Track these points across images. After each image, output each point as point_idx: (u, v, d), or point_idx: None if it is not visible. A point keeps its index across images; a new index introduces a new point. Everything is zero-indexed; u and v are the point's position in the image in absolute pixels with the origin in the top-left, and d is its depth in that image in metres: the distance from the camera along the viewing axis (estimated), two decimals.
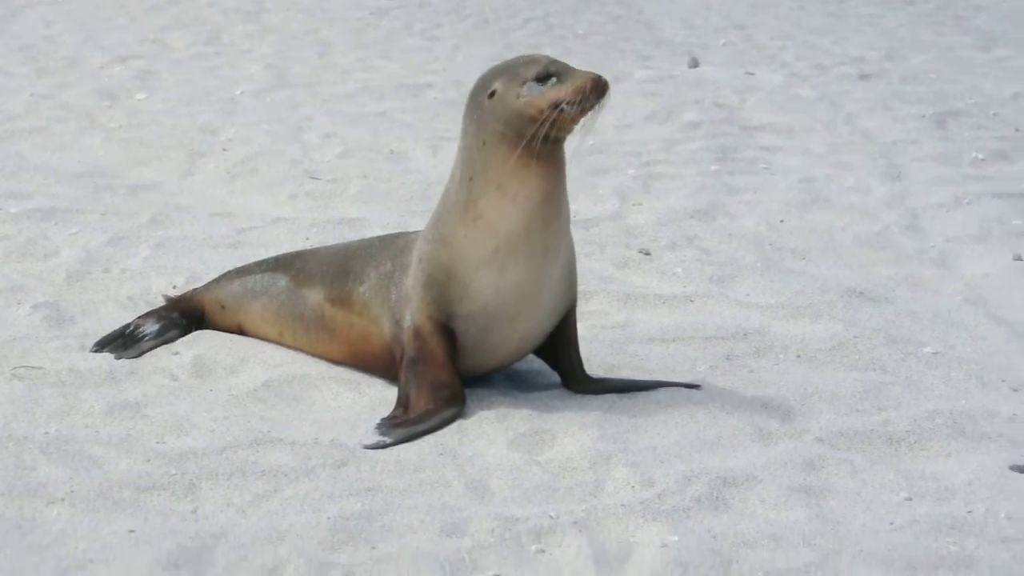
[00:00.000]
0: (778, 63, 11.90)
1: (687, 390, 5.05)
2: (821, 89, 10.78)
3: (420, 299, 4.83)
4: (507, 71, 4.75)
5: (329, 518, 4.08)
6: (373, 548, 3.96)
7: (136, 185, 7.80)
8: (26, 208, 7.09)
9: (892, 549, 4.00)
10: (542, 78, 4.68)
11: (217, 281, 5.63)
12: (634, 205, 7.60)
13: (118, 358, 5.26)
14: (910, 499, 4.34)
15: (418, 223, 6.66)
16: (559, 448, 4.59)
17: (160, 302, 5.78)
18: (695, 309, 5.99)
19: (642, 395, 4.99)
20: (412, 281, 4.87)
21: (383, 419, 4.74)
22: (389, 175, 8.07)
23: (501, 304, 4.77)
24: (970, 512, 4.24)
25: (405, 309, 4.87)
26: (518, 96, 4.68)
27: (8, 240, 6.60)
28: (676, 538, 4.01)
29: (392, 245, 5.11)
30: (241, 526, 4.04)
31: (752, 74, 11.27)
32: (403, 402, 4.81)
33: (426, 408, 4.75)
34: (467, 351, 4.86)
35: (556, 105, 4.63)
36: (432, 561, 3.87)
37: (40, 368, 5.09)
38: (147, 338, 5.42)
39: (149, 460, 4.42)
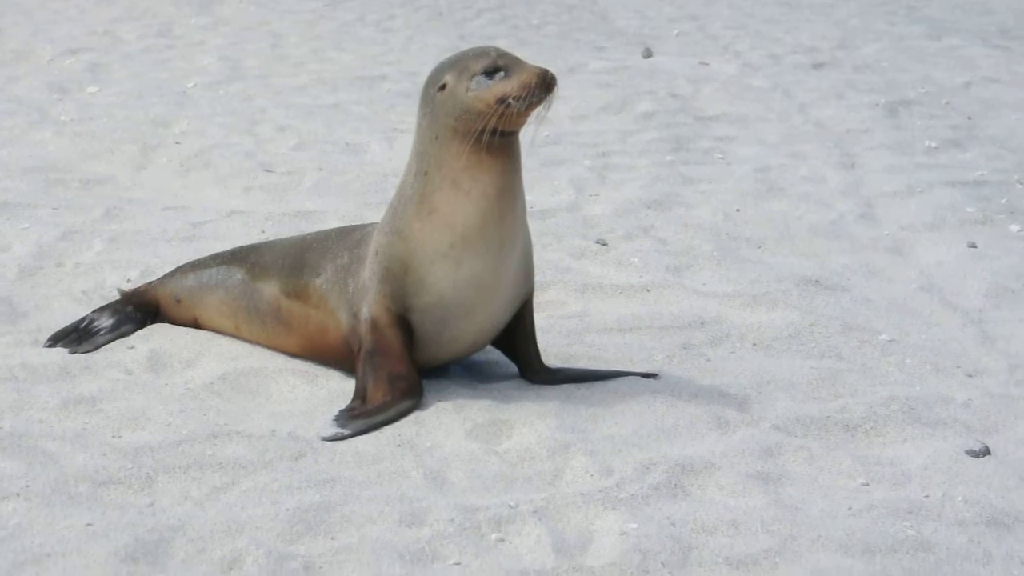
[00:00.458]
0: (732, 53, 11.95)
1: (645, 379, 5.06)
2: (774, 79, 10.83)
3: (377, 292, 4.81)
4: (457, 64, 4.73)
5: (288, 510, 4.06)
6: (332, 539, 3.95)
7: (88, 179, 7.73)
8: None
9: (850, 534, 4.03)
10: (490, 72, 4.66)
11: (172, 275, 5.59)
12: (590, 196, 7.61)
13: (72, 353, 5.21)
14: (867, 484, 4.37)
15: (374, 215, 6.64)
16: (517, 438, 4.59)
17: (114, 296, 5.74)
18: (652, 299, 6.00)
19: (600, 385, 5.00)
20: (369, 274, 4.86)
21: (341, 411, 4.72)
22: (344, 167, 8.04)
23: (457, 297, 4.77)
24: (927, 496, 4.28)
25: (362, 301, 4.86)
26: (467, 90, 4.66)
27: None
28: (635, 526, 4.02)
29: (348, 237, 5.09)
30: (199, 519, 4.02)
31: (706, 64, 11.31)
32: (361, 394, 4.79)
33: (384, 400, 4.74)
34: (424, 343, 4.85)
35: (503, 100, 4.61)
36: (392, 551, 3.86)
37: None
38: (102, 332, 5.37)
39: (105, 454, 4.38)
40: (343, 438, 4.57)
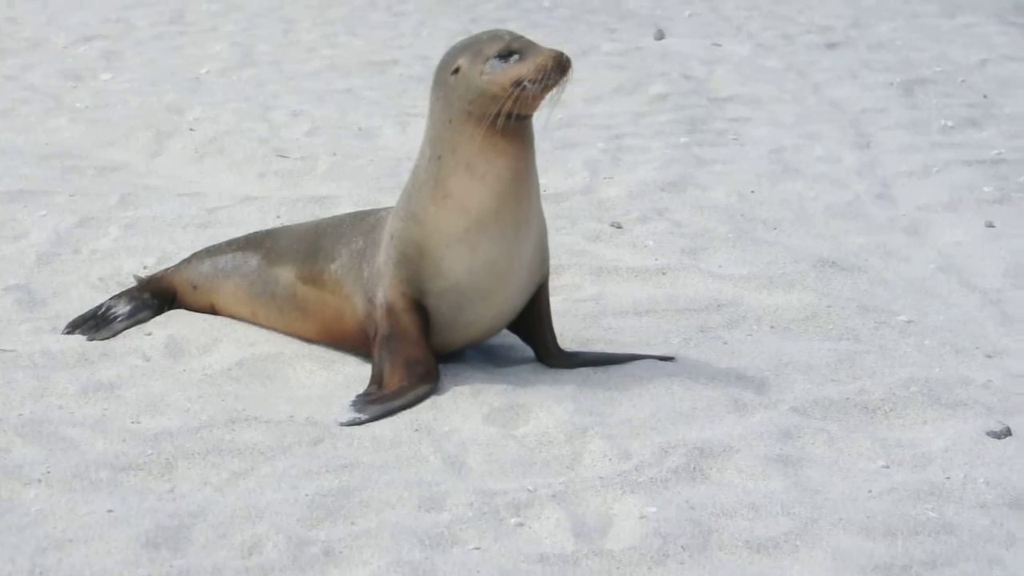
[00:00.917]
0: (744, 34, 11.90)
1: (661, 363, 5.05)
2: (788, 59, 10.79)
3: (392, 276, 4.81)
4: (471, 48, 4.72)
5: (307, 495, 4.07)
6: (352, 524, 3.96)
7: (104, 166, 7.74)
8: None
9: (871, 516, 4.03)
10: (504, 55, 4.65)
11: (188, 261, 5.60)
12: (604, 178, 7.59)
13: (90, 339, 5.22)
14: (887, 467, 4.36)
15: (388, 199, 6.63)
16: (535, 422, 4.59)
17: (131, 283, 5.75)
18: (668, 282, 5.99)
19: (617, 368, 4.99)
20: (384, 258, 4.85)
21: (358, 396, 4.73)
22: (358, 152, 8.04)
23: (473, 282, 4.76)
24: (948, 478, 4.27)
25: (377, 286, 4.85)
26: (481, 73, 4.65)
27: None
28: (655, 509, 4.02)
29: (363, 222, 5.09)
30: (219, 504, 4.03)
31: (719, 45, 11.27)
32: (377, 379, 4.79)
33: (400, 385, 4.75)
34: (440, 328, 4.84)
35: (518, 83, 4.60)
36: (411, 536, 3.87)
37: (12, 351, 5.04)
38: (119, 319, 5.39)
39: (125, 440, 4.40)
40: (361, 423, 4.57)
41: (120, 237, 6.42)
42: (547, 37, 11.00)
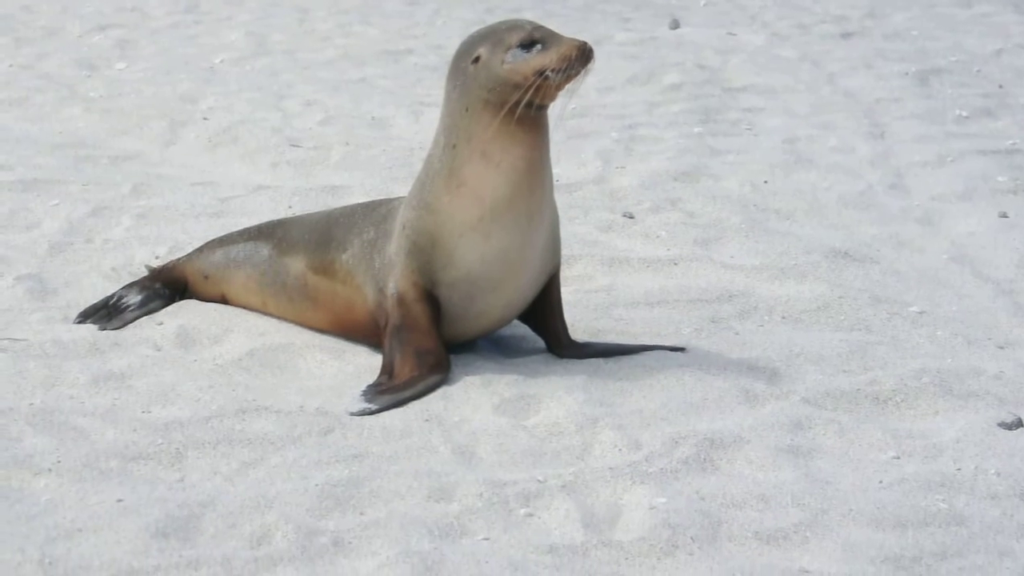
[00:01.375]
0: (759, 23, 11.86)
1: (672, 353, 5.04)
2: (803, 49, 10.75)
3: (404, 266, 4.81)
4: (491, 37, 4.71)
5: (316, 485, 4.07)
6: (361, 514, 3.96)
7: (117, 155, 7.75)
8: (7, 179, 7.05)
9: (882, 507, 4.01)
10: (527, 44, 4.64)
11: (200, 251, 5.61)
12: (617, 168, 7.58)
13: (102, 329, 5.24)
14: (898, 458, 4.35)
15: (401, 189, 6.63)
16: (545, 413, 4.59)
17: (143, 272, 5.76)
18: (679, 272, 5.98)
19: (628, 359, 4.98)
20: (396, 248, 4.85)
21: (368, 386, 4.73)
22: (371, 141, 8.03)
23: (485, 271, 4.76)
24: (959, 469, 4.26)
25: (389, 276, 4.85)
26: (502, 63, 4.64)
27: None
28: (664, 500, 4.01)
29: (375, 212, 5.08)
30: (229, 494, 4.04)
31: (734, 35, 11.23)
32: (388, 369, 4.80)
33: (411, 375, 4.75)
34: (451, 318, 4.84)
35: (541, 72, 4.60)
36: (420, 526, 3.87)
37: (24, 340, 5.06)
38: (130, 309, 5.40)
39: (135, 430, 4.41)
40: (371, 413, 4.58)
41: (132, 226, 6.43)
42: (562, 26, 10.97)
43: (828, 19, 11.99)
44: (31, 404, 4.56)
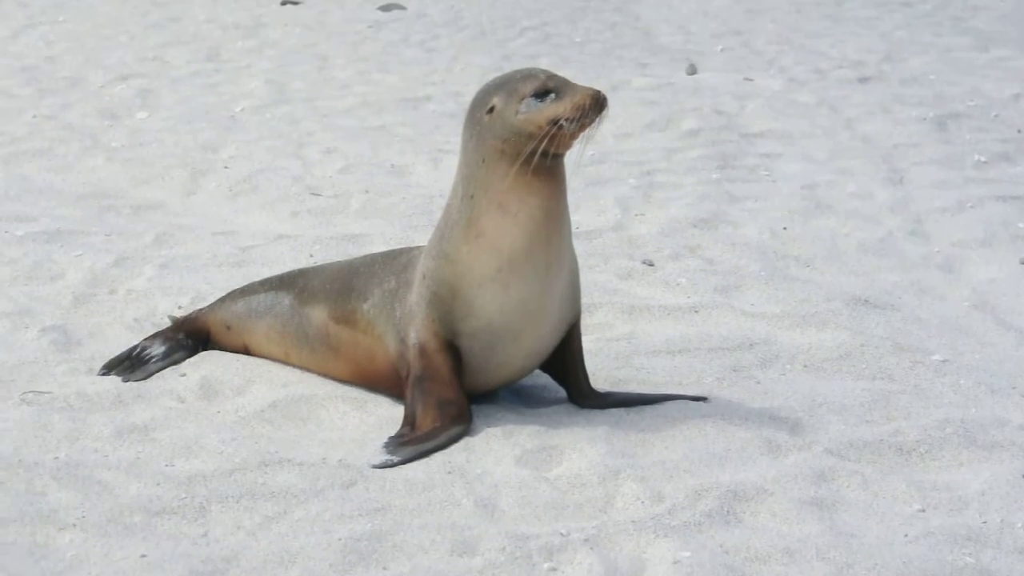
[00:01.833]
0: (776, 68, 11.90)
1: (694, 403, 5.04)
2: (820, 94, 10.77)
3: (425, 316, 4.82)
4: (505, 87, 4.73)
5: (339, 539, 4.07)
6: (384, 569, 3.96)
7: (139, 205, 7.80)
8: (32, 231, 7.10)
9: (908, 562, 3.99)
10: (540, 94, 4.66)
11: (222, 301, 5.63)
12: (636, 215, 7.59)
13: (125, 381, 5.26)
14: (923, 510, 4.33)
15: (421, 237, 6.65)
16: (567, 464, 4.58)
17: (166, 323, 5.78)
18: (700, 320, 5.98)
19: (649, 409, 4.98)
20: (416, 298, 4.87)
21: (390, 438, 4.73)
22: (390, 189, 8.07)
23: (506, 321, 4.76)
24: (985, 522, 4.23)
25: (410, 326, 4.86)
26: (516, 112, 4.66)
27: (15, 263, 6.60)
28: (688, 554, 4.00)
29: (395, 261, 5.10)
30: (252, 549, 4.04)
31: (751, 80, 11.27)
32: (410, 420, 4.80)
33: (433, 426, 4.75)
34: (472, 369, 4.85)
35: (555, 121, 4.61)
36: None
37: (48, 393, 5.08)
38: (154, 360, 5.42)
39: (159, 484, 4.42)
40: (393, 465, 4.58)
41: (155, 277, 6.47)
42: (579, 72, 11.04)
43: (845, 64, 12.03)
44: (56, 458, 4.58)
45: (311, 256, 6.81)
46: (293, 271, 5.58)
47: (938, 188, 8.17)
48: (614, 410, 4.98)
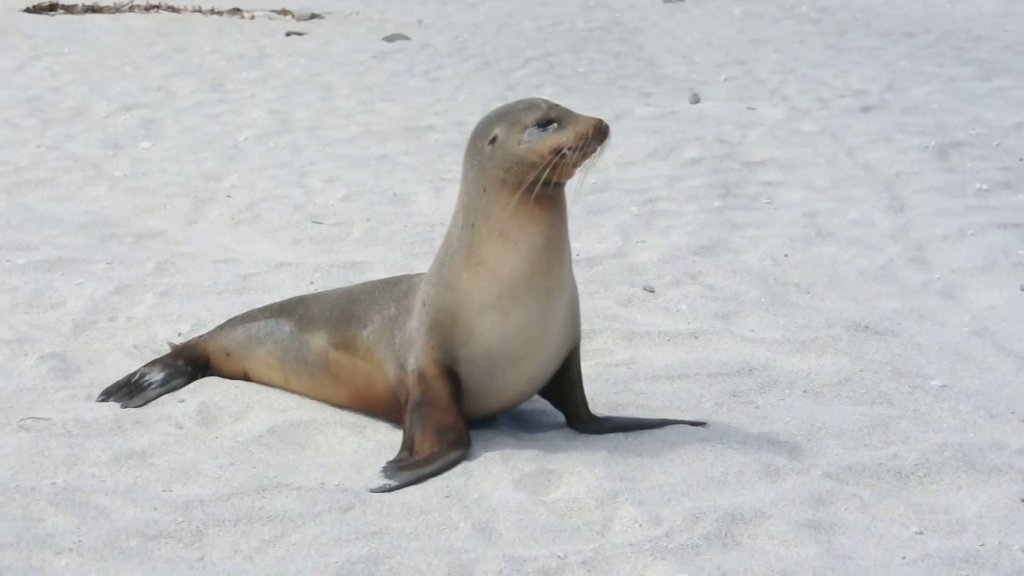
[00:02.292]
0: (779, 97, 11.94)
1: (693, 428, 5.03)
2: (823, 123, 10.81)
3: (424, 343, 4.83)
4: (507, 117, 4.75)
5: (336, 562, 4.06)
6: None
7: (141, 233, 7.83)
8: (33, 259, 7.12)
9: None
10: (543, 124, 4.68)
11: (221, 328, 5.64)
12: (637, 243, 7.61)
13: (124, 407, 5.26)
14: (921, 533, 4.32)
15: (422, 265, 6.67)
16: (565, 488, 4.58)
17: (166, 350, 5.79)
18: (700, 346, 5.98)
19: (648, 433, 4.98)
20: (416, 325, 4.87)
21: (389, 462, 4.73)
22: (392, 218, 8.10)
23: (505, 348, 4.77)
24: (983, 545, 4.22)
25: (409, 352, 4.87)
26: (519, 142, 4.68)
27: (15, 291, 6.62)
28: None
29: (395, 288, 5.11)
30: (249, 572, 4.03)
31: (753, 109, 11.31)
32: (408, 445, 4.80)
33: (431, 451, 4.75)
34: (472, 394, 4.85)
35: (558, 151, 4.63)
36: None
37: (47, 419, 5.09)
38: (153, 386, 5.43)
39: (156, 508, 4.41)
40: (391, 489, 4.57)
41: (155, 304, 6.48)
42: (582, 102, 11.09)
43: (848, 93, 12.07)
44: (53, 483, 4.58)
45: (312, 284, 6.83)
46: (293, 298, 5.59)
47: (939, 216, 8.18)
48: (612, 435, 4.98)
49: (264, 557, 4.15)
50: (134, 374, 5.50)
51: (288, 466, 4.77)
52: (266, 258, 7.38)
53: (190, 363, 5.57)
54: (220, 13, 16.77)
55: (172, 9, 16.86)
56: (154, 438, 4.97)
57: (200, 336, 5.71)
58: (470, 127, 4.98)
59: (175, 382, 5.47)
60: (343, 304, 5.23)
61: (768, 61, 13.91)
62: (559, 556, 4.11)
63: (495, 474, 4.66)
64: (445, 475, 4.66)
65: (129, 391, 5.39)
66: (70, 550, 4.13)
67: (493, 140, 4.73)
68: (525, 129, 4.68)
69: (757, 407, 5.31)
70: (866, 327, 6.20)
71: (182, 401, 5.31)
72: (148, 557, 4.13)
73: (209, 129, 10.48)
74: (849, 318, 6.32)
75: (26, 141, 9.99)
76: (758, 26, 16.58)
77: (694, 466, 4.73)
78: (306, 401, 5.27)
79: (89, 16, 16.34)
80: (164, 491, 4.55)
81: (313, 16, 16.67)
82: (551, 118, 4.68)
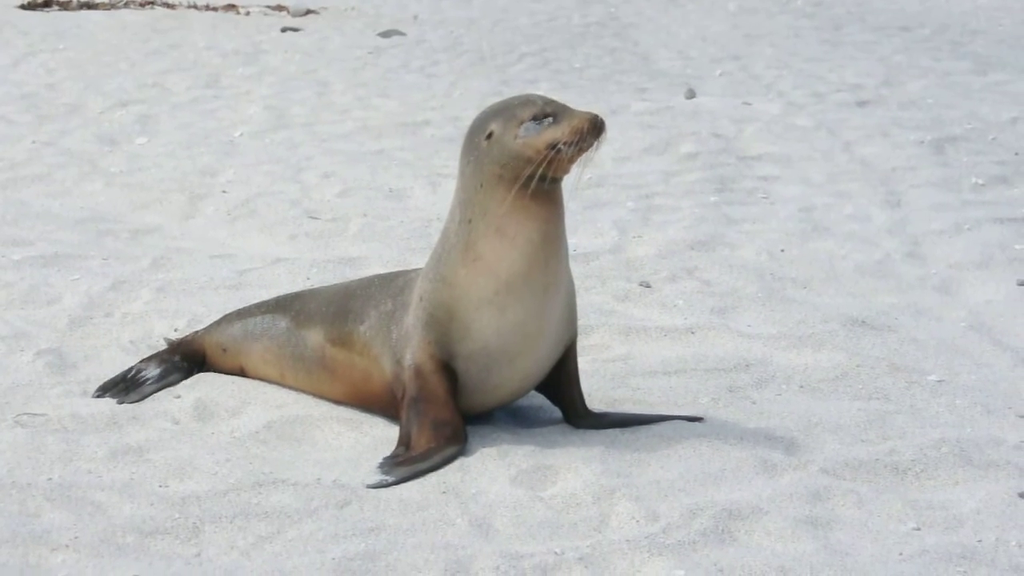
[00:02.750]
0: (775, 92, 11.94)
1: (690, 423, 5.03)
2: (818, 117, 10.80)
3: (421, 338, 4.82)
4: (503, 112, 4.74)
5: (333, 559, 4.06)
6: None
7: (137, 229, 7.81)
8: (28, 255, 7.11)
9: None
10: (538, 119, 4.68)
11: (218, 324, 5.63)
12: (634, 238, 7.60)
13: (120, 403, 5.25)
14: (918, 529, 4.32)
15: (418, 260, 6.66)
16: (562, 484, 4.57)
17: (162, 346, 5.78)
18: (697, 341, 5.98)
19: (645, 429, 4.97)
20: (413, 320, 4.87)
21: (385, 458, 4.73)
22: (388, 213, 8.09)
23: (502, 344, 4.77)
24: (980, 541, 4.22)
25: (406, 348, 4.87)
26: (515, 137, 4.67)
27: (11, 287, 6.61)
28: (682, 572, 3.99)
29: (392, 284, 5.11)
30: (245, 568, 4.03)
31: (749, 104, 11.30)
32: (405, 441, 4.80)
33: (428, 446, 4.74)
34: (468, 390, 4.85)
35: (553, 146, 4.63)
36: None
37: (43, 415, 5.08)
38: (149, 382, 5.42)
39: (152, 504, 4.41)
40: (387, 485, 4.57)
41: (152, 300, 6.47)
42: (578, 97, 11.08)
43: (844, 88, 12.06)
44: (49, 479, 4.57)
45: (308, 279, 6.82)
46: (290, 294, 5.58)
47: (935, 210, 8.18)
48: (609, 430, 4.97)
49: (261, 553, 4.14)
50: (130, 370, 5.50)
51: (284, 462, 4.76)
52: (262, 254, 7.37)
53: (186, 359, 5.56)
54: (215, 9, 16.75)
55: (167, 5, 16.84)
56: (150, 434, 4.96)
57: (196, 332, 5.71)
58: (466, 122, 4.97)
59: (171, 378, 5.46)
60: (340, 300, 5.22)
61: (763, 56, 13.91)
62: (556, 552, 4.11)
63: (492, 470, 4.65)
64: (442, 471, 4.65)
65: (125, 387, 5.38)
66: (66, 546, 4.13)
67: (489, 136, 4.72)
68: (521, 124, 4.68)
69: (754, 402, 5.31)
70: (863, 322, 6.19)
71: (178, 397, 5.30)
72: (144, 553, 4.13)
73: (205, 125, 10.46)
74: (846, 313, 6.31)
75: (21, 137, 9.97)
76: (753, 21, 16.58)
77: (691, 462, 4.72)
78: (303, 397, 5.26)
79: (84, 12, 16.31)
80: (160, 487, 4.55)
81: (308, 12, 16.65)
82: (547, 113, 4.67)
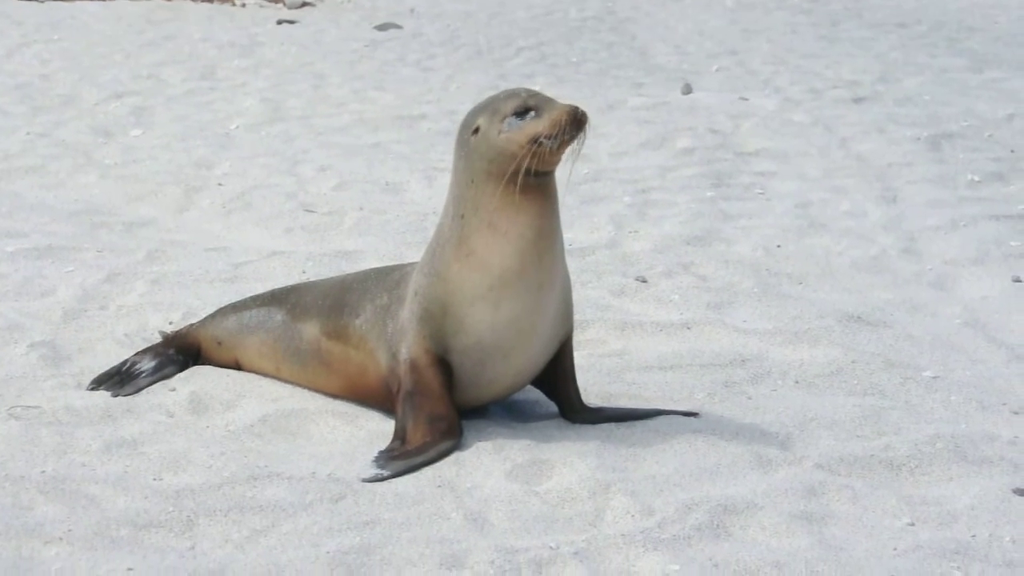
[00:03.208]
0: (772, 88, 11.93)
1: (686, 418, 5.03)
2: (815, 113, 10.80)
3: (416, 332, 4.82)
4: (489, 107, 4.74)
5: (328, 552, 4.05)
6: None
7: (132, 222, 7.80)
8: (23, 247, 7.09)
9: (896, 575, 3.98)
10: (521, 112, 4.66)
11: (213, 317, 5.62)
12: (630, 233, 7.60)
13: (115, 396, 5.24)
14: (913, 524, 4.32)
15: (414, 254, 6.65)
16: (558, 478, 4.57)
17: (156, 338, 5.77)
18: (692, 336, 5.97)
19: (640, 424, 4.97)
20: (408, 314, 4.86)
21: (380, 452, 4.72)
22: (385, 206, 8.08)
23: (496, 339, 4.76)
24: (974, 536, 4.22)
25: (401, 342, 4.86)
26: (499, 132, 4.66)
27: (5, 279, 6.60)
28: (677, 567, 3.98)
29: (388, 278, 5.10)
30: (240, 562, 4.02)
31: (746, 99, 11.30)
32: (400, 435, 4.79)
33: (423, 440, 4.74)
34: (463, 384, 4.84)
35: (535, 139, 4.61)
36: None
37: (37, 407, 5.07)
38: (144, 375, 5.41)
39: (146, 497, 4.40)
40: (383, 479, 4.56)
41: (146, 292, 6.46)
42: (575, 92, 11.07)
43: (840, 84, 12.06)
44: (43, 472, 4.56)
45: (303, 272, 6.81)
46: (285, 287, 5.57)
47: (931, 207, 8.19)
48: (605, 425, 4.97)
49: (255, 547, 4.14)
50: (125, 362, 5.48)
51: (279, 455, 4.75)
52: (258, 247, 7.36)
53: (181, 352, 5.55)
54: (211, 1, 16.72)
55: None
56: (145, 427, 4.95)
57: (191, 324, 5.70)
58: (462, 116, 4.97)
59: (166, 371, 5.45)
60: (335, 293, 5.21)
61: (760, 52, 13.90)
62: (551, 546, 4.11)
63: (487, 464, 4.65)
64: (437, 465, 4.65)
65: (120, 379, 5.37)
66: (60, 539, 4.12)
67: (476, 131, 4.72)
68: (504, 119, 4.67)
69: (749, 398, 5.31)
70: (858, 318, 6.19)
71: (173, 390, 5.29)
72: (138, 546, 4.12)
73: (200, 117, 10.44)
74: (841, 309, 6.31)
75: (16, 128, 9.95)
76: (750, 16, 16.57)
77: (686, 457, 4.72)
78: (298, 390, 5.25)
79: (79, 3, 16.28)
80: (155, 480, 4.54)
81: (304, 4, 16.63)
82: (529, 106, 4.66)
